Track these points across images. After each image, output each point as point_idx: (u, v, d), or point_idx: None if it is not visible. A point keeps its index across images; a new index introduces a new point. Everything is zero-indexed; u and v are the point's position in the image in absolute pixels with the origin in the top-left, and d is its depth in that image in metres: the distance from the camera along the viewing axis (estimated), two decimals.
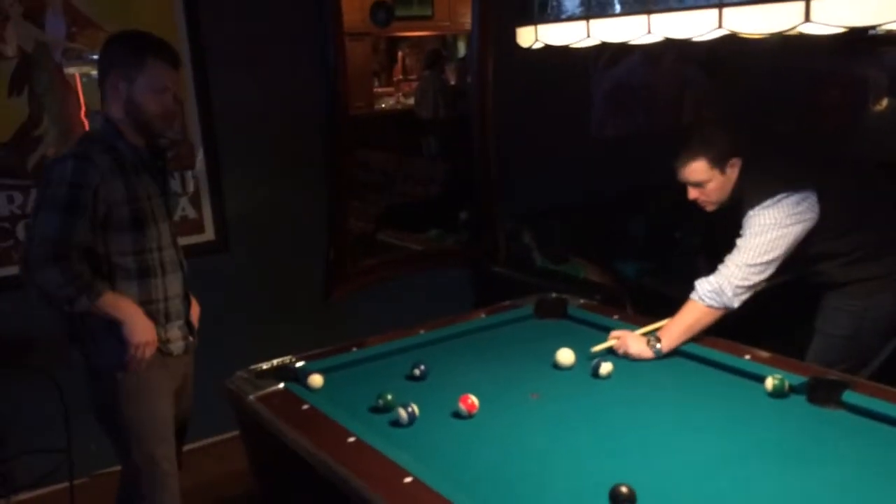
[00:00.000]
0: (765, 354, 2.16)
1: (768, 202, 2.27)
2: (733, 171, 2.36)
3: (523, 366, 2.24)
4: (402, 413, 1.86)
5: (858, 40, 4.23)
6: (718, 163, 2.35)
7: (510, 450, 1.77)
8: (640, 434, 1.83)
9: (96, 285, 2.02)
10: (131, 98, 2.06)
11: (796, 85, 4.49)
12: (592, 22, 1.53)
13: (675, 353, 2.26)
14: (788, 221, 2.27)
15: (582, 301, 2.69)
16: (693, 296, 2.33)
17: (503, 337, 2.49)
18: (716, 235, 3.80)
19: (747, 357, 2.14)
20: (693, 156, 2.36)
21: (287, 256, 3.51)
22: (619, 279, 3.87)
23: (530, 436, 1.84)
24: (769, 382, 1.98)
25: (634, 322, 2.45)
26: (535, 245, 3.96)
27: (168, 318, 2.20)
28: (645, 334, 2.31)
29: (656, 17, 1.39)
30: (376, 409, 1.95)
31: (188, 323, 2.30)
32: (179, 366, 2.29)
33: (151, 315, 2.14)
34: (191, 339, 2.31)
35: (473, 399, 1.91)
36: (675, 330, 2.29)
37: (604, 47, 4.42)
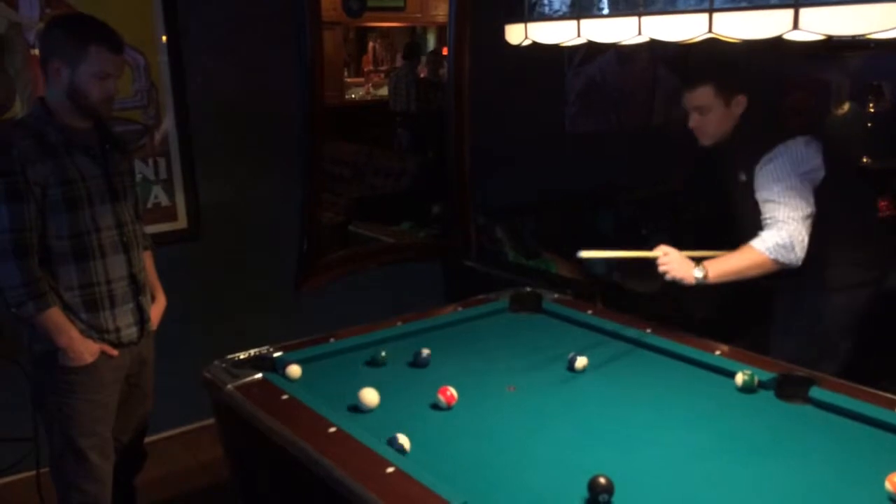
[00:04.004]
0: (735, 350, 2.21)
1: (777, 149, 2.34)
2: (737, 108, 2.40)
3: (500, 359, 2.26)
4: (402, 441, 1.72)
5: (823, 45, 4.34)
6: (724, 93, 2.38)
7: (489, 441, 1.79)
8: (615, 427, 1.86)
9: (46, 298, 2.06)
10: (74, 84, 2.07)
11: (763, 87, 4.59)
12: (583, 22, 1.55)
13: (648, 347, 2.30)
14: (803, 168, 2.33)
15: (556, 296, 2.72)
16: (758, 246, 2.31)
17: (479, 330, 2.51)
18: (685, 230, 3.89)
19: (718, 353, 2.20)
20: (702, 80, 2.41)
21: (259, 246, 3.48)
22: (589, 275, 3.92)
23: (508, 428, 1.86)
24: (739, 378, 2.03)
25: (607, 317, 2.50)
26: (507, 239, 3.99)
27: (113, 302, 2.20)
28: (692, 258, 2.34)
29: (647, 20, 1.42)
30: (371, 363, 2.18)
31: (140, 307, 2.29)
32: (133, 352, 2.28)
33: (94, 299, 2.15)
34: (146, 324, 2.30)
35: (452, 391, 1.93)
36: (725, 267, 2.31)
37: (579, 45, 4.48)
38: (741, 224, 2.51)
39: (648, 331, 2.36)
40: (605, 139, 4.48)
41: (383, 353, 2.21)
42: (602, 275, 3.88)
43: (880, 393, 1.94)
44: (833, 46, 4.47)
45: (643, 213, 4.33)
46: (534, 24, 1.71)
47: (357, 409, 1.92)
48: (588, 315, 2.53)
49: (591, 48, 4.43)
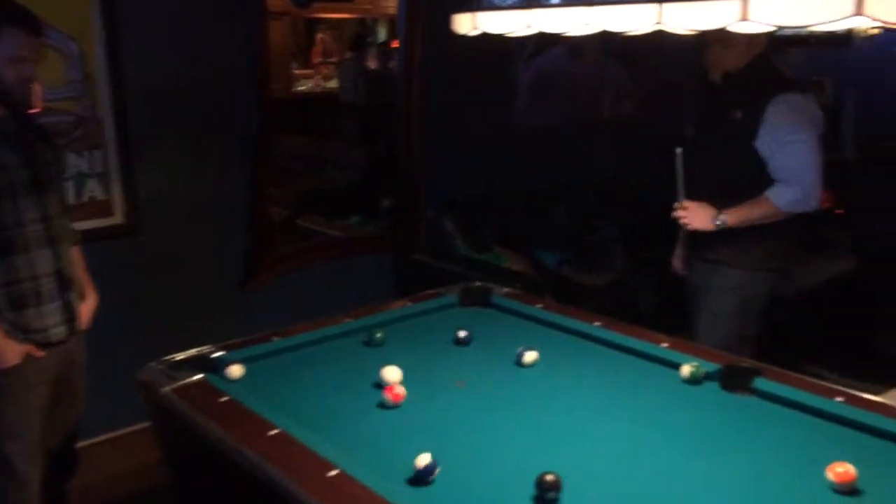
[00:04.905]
0: (681, 342, 2.23)
1: (779, 101, 2.50)
2: (754, 49, 2.54)
3: (449, 354, 2.23)
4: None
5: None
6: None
7: (437, 439, 1.75)
8: (564, 422, 1.85)
9: None
10: None
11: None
12: (531, 11, 1.52)
13: (597, 340, 2.30)
14: (809, 119, 2.54)
15: (505, 290, 2.70)
16: (775, 200, 2.53)
17: (429, 325, 2.47)
18: (634, 226, 3.92)
19: (665, 345, 2.20)
20: None
21: (203, 242, 3.38)
22: (539, 269, 3.92)
23: (457, 424, 1.83)
24: (685, 370, 2.04)
25: (556, 311, 2.49)
26: (457, 233, 3.96)
27: (40, 299, 2.10)
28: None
29: (596, 10, 1.40)
30: (368, 342, 2.23)
31: (68, 305, 2.19)
32: (61, 352, 2.19)
33: (19, 296, 2.06)
34: (75, 322, 2.21)
35: (399, 389, 1.89)
36: (743, 215, 2.55)
37: (530, 36, 4.47)
38: (726, 160, 2.64)
39: (597, 324, 2.36)
40: (557, 132, 4.48)
41: (379, 335, 2.24)
42: (552, 269, 3.88)
43: (821, 382, 1.98)
44: (775, 42, 4.54)
45: (596, 206, 4.36)
46: (482, 14, 1.68)
47: (301, 407, 1.86)
48: (537, 309, 2.51)
49: (543, 41, 4.42)
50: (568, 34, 1.55)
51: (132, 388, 2.03)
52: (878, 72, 5.93)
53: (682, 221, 2.65)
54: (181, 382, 1.93)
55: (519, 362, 2.15)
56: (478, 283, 2.69)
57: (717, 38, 2.50)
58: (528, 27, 1.53)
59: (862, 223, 4.53)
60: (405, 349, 2.26)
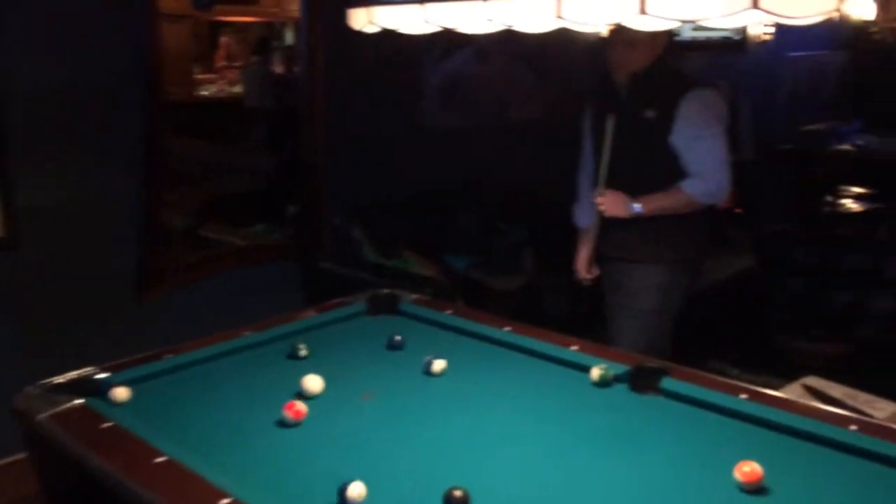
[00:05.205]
0: (590, 345, 2.20)
1: (691, 98, 2.59)
2: (657, 49, 2.61)
3: (355, 366, 2.14)
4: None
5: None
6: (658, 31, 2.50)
7: (342, 456, 1.66)
8: (475, 431, 1.79)
9: None
10: None
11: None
12: (428, 6, 1.46)
13: (507, 346, 2.25)
14: (719, 115, 2.65)
15: (414, 297, 2.63)
16: (688, 190, 2.63)
17: (334, 336, 2.37)
18: (544, 228, 3.92)
19: (574, 348, 2.18)
20: None
21: (93, 254, 3.16)
22: (449, 273, 3.88)
23: (362, 439, 1.74)
24: (594, 372, 2.02)
25: (468, 317, 2.44)
26: (365, 239, 3.87)
27: None
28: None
29: (494, 5, 1.35)
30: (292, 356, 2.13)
31: None
32: None
33: None
34: None
35: (300, 405, 1.78)
36: (658, 204, 2.64)
37: (438, 39, 4.43)
38: (640, 159, 2.69)
39: (507, 329, 2.32)
40: (466, 135, 4.45)
41: (302, 350, 2.14)
42: (462, 273, 3.85)
43: (726, 380, 1.99)
44: (675, 46, 4.67)
45: (504, 209, 4.35)
46: (379, 8, 1.60)
47: (192, 431, 1.73)
48: (447, 315, 2.45)
49: (451, 43, 4.39)
50: (463, 30, 1.50)
51: (9, 416, 1.85)
52: (770, 76, 6.18)
53: (599, 208, 2.71)
54: (59, 408, 1.76)
55: (427, 371, 2.08)
56: (385, 291, 2.61)
57: (622, 39, 2.52)
58: (426, 22, 1.47)
59: (758, 222, 4.70)
60: (308, 362, 2.15)
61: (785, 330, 3.57)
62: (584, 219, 2.94)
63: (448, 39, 4.37)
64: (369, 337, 2.36)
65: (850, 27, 7.01)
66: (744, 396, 1.84)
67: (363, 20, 1.64)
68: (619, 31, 2.51)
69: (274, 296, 3.60)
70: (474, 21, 1.43)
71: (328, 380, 2.01)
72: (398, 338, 2.24)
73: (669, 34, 2.59)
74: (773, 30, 5.81)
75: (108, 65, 3.11)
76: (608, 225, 2.77)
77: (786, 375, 2.87)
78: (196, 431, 1.75)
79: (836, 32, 6.91)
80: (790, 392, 2.59)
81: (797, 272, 3.70)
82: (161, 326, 3.16)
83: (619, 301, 2.81)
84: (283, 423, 1.77)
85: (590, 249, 2.86)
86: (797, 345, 3.44)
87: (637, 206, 2.65)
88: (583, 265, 2.90)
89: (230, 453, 1.64)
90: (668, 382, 1.96)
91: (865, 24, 7.02)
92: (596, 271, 2.91)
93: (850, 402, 2.32)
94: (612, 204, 2.69)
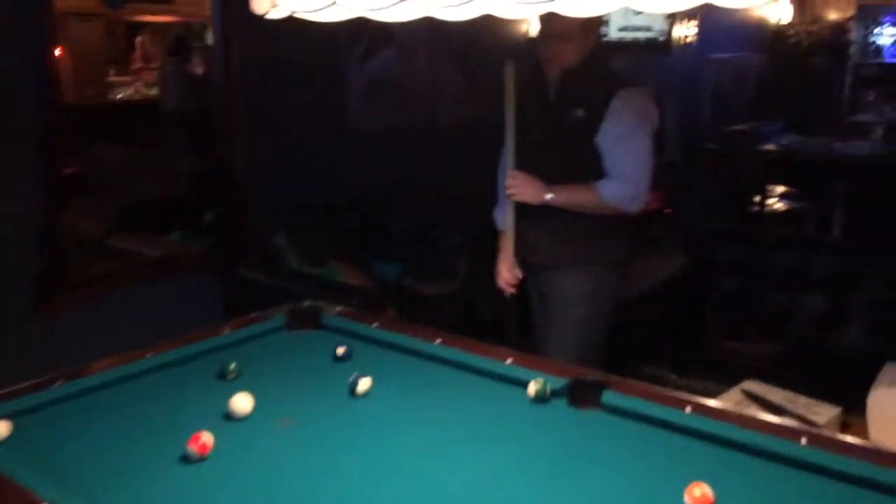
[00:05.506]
0: (526, 357, 2.08)
1: (620, 99, 2.49)
2: (589, 44, 2.54)
3: (271, 390, 1.95)
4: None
5: None
6: (586, 23, 2.42)
7: (255, 493, 1.49)
8: (406, 454, 1.64)
9: None
10: None
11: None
12: None
13: (438, 360, 2.11)
14: (646, 120, 2.54)
15: (339, 308, 2.46)
16: (604, 193, 2.51)
17: (249, 355, 2.17)
18: (476, 231, 3.80)
19: (509, 361, 2.05)
20: None
21: None
22: (379, 281, 3.72)
23: (283, 470, 1.57)
24: (531, 388, 1.89)
25: (395, 329, 2.28)
26: (289, 247, 3.68)
27: None
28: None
29: None
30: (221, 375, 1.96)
31: None
32: None
33: None
34: None
35: (206, 438, 1.59)
36: (570, 196, 2.53)
37: (359, 39, 4.26)
38: (566, 158, 2.59)
39: (438, 341, 2.17)
40: (394, 138, 4.30)
41: (232, 367, 1.96)
42: (392, 280, 3.70)
43: (669, 392, 1.89)
44: (602, 46, 4.62)
45: (436, 213, 4.22)
46: None
47: (80, 470, 1.53)
48: (373, 329, 2.29)
49: (373, 43, 4.24)
50: (378, 18, 1.35)
51: None
52: (694, 77, 6.26)
53: (510, 192, 2.57)
54: None
55: (353, 391, 1.92)
56: (307, 304, 2.43)
57: (554, 32, 2.42)
58: (333, 4, 1.31)
59: (688, 222, 4.71)
60: (219, 386, 1.96)
61: (719, 331, 3.54)
62: (502, 219, 2.83)
63: (370, 39, 4.23)
64: (288, 355, 2.18)
65: (769, 29, 7.19)
66: (689, 410, 1.74)
67: (266, 4, 1.47)
68: (550, 23, 2.41)
69: (191, 309, 3.39)
70: (390, 8, 1.28)
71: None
72: (342, 349, 2.10)
73: (600, 27, 2.51)
74: (696, 31, 5.89)
75: (1, 66, 2.87)
76: (526, 227, 2.65)
77: (723, 379, 2.82)
78: (84, 471, 1.53)
79: (755, 35, 7.07)
80: (730, 398, 2.54)
81: (729, 272, 3.68)
82: (61, 347, 2.90)
83: (548, 311, 2.71)
84: (187, 459, 1.58)
85: (509, 250, 2.73)
86: (732, 346, 3.42)
87: (549, 195, 2.53)
88: (504, 266, 2.77)
89: (123, 495, 1.44)
90: (608, 396, 1.85)
91: (783, 27, 7.21)
92: (519, 273, 2.78)
93: (790, 407, 2.27)
94: (523, 186, 2.55)
